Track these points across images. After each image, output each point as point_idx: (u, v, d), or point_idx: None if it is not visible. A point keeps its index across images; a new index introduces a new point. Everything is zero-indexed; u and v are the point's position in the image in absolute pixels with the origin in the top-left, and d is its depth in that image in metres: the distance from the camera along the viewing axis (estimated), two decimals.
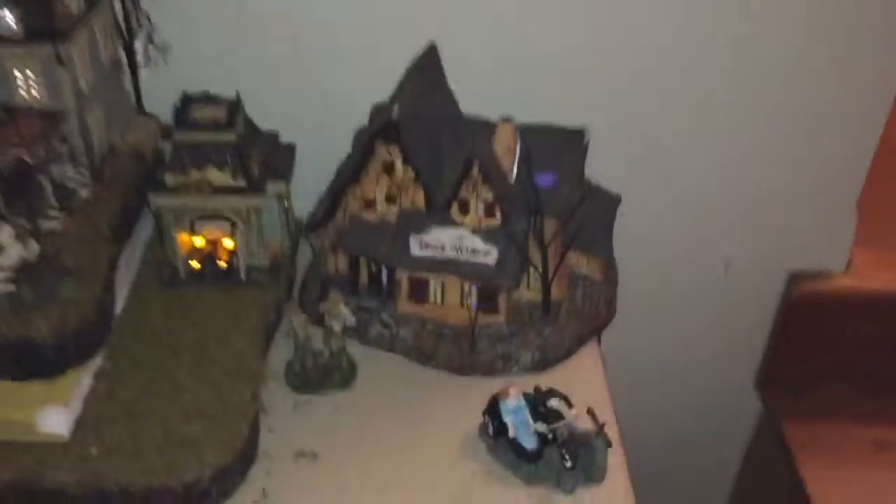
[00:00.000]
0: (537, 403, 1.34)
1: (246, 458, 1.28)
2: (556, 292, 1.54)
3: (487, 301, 1.50)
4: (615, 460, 1.34)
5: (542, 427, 1.31)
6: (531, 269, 1.51)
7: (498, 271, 1.44)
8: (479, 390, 1.43)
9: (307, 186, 1.60)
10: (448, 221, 1.45)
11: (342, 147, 1.60)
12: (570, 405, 1.32)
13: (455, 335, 1.51)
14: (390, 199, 1.50)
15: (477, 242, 1.43)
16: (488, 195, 1.42)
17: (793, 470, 2.02)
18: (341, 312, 1.44)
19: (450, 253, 1.45)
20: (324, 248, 1.62)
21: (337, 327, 1.45)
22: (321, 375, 1.47)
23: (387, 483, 1.30)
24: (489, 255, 1.44)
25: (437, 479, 1.31)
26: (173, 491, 1.18)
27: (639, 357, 2.09)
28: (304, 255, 1.67)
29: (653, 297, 2.06)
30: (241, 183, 1.45)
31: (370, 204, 1.52)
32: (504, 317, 1.52)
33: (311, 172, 1.59)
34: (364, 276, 1.58)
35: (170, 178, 1.44)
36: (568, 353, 1.54)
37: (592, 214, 1.56)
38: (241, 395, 1.31)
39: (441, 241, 1.44)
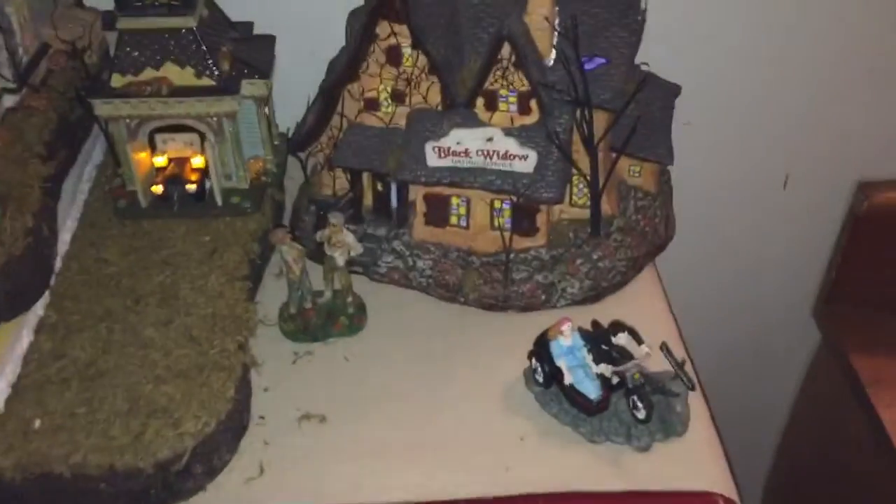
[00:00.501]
0: (598, 341, 1.08)
1: (235, 425, 1.03)
2: (605, 208, 1.27)
3: (524, 220, 1.23)
4: (697, 407, 1.09)
5: (605, 369, 1.06)
6: (575, 178, 1.24)
7: (537, 181, 1.17)
8: (519, 330, 1.18)
9: (291, 93, 1.30)
10: (472, 121, 1.18)
11: (332, 41, 1.30)
12: (639, 341, 1.07)
13: (485, 264, 1.25)
14: (398, 96, 1.22)
15: (511, 144, 1.16)
16: (522, 84, 1.15)
17: (867, 408, 1.79)
18: (344, 240, 1.17)
19: (476, 160, 1.18)
20: (317, 165, 1.34)
21: (340, 260, 1.18)
22: (323, 320, 1.21)
23: (412, 450, 1.05)
24: (526, 160, 1.16)
25: (476, 443, 1.06)
26: (143, 472, 0.93)
27: (690, 282, 1.84)
28: (294, 178, 1.40)
29: (707, 217, 1.81)
30: (209, 82, 1.17)
31: (372, 104, 1.24)
32: (544, 239, 1.25)
33: (295, 76, 1.30)
34: (369, 198, 1.31)
35: (117, 79, 1.16)
36: (623, 281, 1.28)
37: (648, 108, 1.28)
38: (224, 346, 1.05)
39: (465, 144, 1.16)
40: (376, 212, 1.32)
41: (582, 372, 1.06)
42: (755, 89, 1.68)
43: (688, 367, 1.07)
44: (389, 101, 1.22)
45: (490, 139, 1.15)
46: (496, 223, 1.24)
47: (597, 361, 1.07)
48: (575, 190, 1.27)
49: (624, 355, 1.07)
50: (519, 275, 1.24)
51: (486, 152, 1.17)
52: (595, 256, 1.26)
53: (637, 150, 1.28)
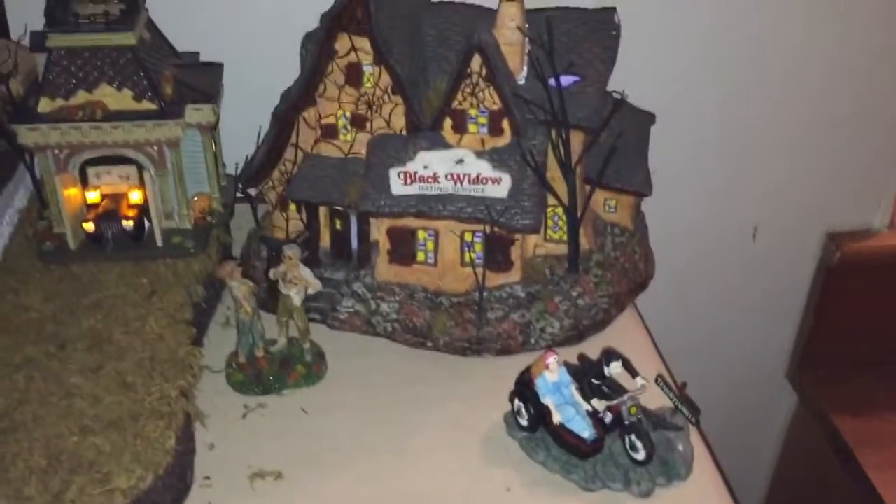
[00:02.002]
0: (587, 375, 0.99)
1: (176, 484, 0.89)
2: (583, 242, 1.21)
3: (497, 254, 1.15)
4: (697, 448, 1.00)
5: (598, 405, 0.96)
6: (550, 210, 1.18)
7: (512, 207, 1.10)
8: (496, 374, 1.09)
9: (240, 132, 1.21)
10: (440, 143, 1.11)
11: (285, 72, 1.23)
12: (633, 374, 0.98)
13: (456, 304, 1.16)
14: (358, 121, 1.15)
15: (483, 167, 1.09)
16: (493, 102, 1.09)
17: (853, 470, 1.72)
18: (301, 275, 1.07)
19: (445, 185, 1.11)
20: (269, 203, 1.25)
21: (297, 298, 1.08)
22: (277, 370, 1.09)
23: None
24: (499, 184, 1.10)
25: (457, 497, 0.95)
26: None
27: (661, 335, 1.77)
28: (242, 228, 1.30)
29: (673, 272, 1.76)
30: (149, 106, 1.09)
31: (330, 131, 1.16)
32: (519, 275, 1.17)
33: (244, 113, 1.21)
34: (326, 239, 1.22)
35: (45, 103, 1.07)
36: (605, 320, 1.21)
37: (622, 137, 1.24)
38: (164, 393, 0.93)
39: (433, 168, 1.10)
40: (335, 254, 1.23)
41: (572, 409, 0.97)
42: (721, 139, 1.66)
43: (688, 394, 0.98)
44: (349, 127, 1.15)
45: (460, 161, 1.09)
46: (467, 258, 1.16)
47: (587, 398, 0.97)
48: (550, 223, 1.20)
49: (616, 390, 0.98)
50: (494, 314, 1.15)
51: (455, 176, 1.10)
52: (574, 293, 1.18)
53: (613, 181, 1.23)
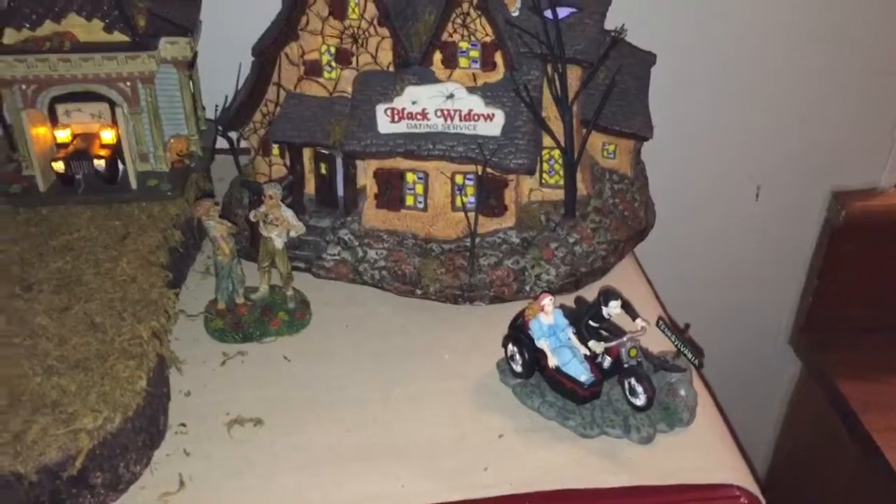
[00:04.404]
0: (584, 317, 0.94)
1: (148, 428, 0.84)
2: (580, 187, 1.16)
3: (490, 198, 1.10)
4: (700, 394, 0.95)
5: (596, 346, 0.92)
6: (546, 154, 1.13)
7: (506, 146, 1.05)
8: (489, 323, 1.04)
9: (220, 71, 1.16)
10: (429, 78, 1.06)
11: (267, 6, 1.17)
12: (633, 316, 0.93)
13: (447, 252, 1.11)
14: (343, 56, 1.09)
15: (475, 102, 1.04)
16: (486, 34, 1.04)
17: (859, 435, 1.68)
18: (283, 216, 1.02)
19: (435, 122, 1.05)
20: (251, 148, 1.20)
21: (279, 241, 1.03)
22: (258, 317, 1.04)
23: (369, 456, 0.88)
24: (492, 120, 1.05)
25: (446, 444, 0.90)
26: (24, 479, 0.74)
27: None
28: (224, 179, 1.25)
29: (676, 232, 1.71)
30: (121, 38, 1.03)
31: (314, 68, 1.11)
32: (513, 220, 1.13)
33: (224, 47, 1.16)
34: (311, 186, 1.17)
35: (11, 35, 1.01)
36: (604, 267, 1.16)
37: (621, 78, 1.18)
38: (136, 334, 0.88)
39: (421, 103, 1.04)
40: (320, 201, 1.18)
41: (568, 353, 0.92)
42: (724, 98, 1.62)
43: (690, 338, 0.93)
44: (333, 63, 1.10)
45: (451, 96, 1.04)
46: (458, 202, 1.11)
47: (584, 342, 0.92)
48: (546, 167, 1.15)
49: (615, 332, 0.93)
50: (486, 261, 1.11)
51: (446, 113, 1.05)
52: (571, 240, 1.14)
53: (611, 123, 1.18)
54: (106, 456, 0.79)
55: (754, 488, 0.86)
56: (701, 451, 0.89)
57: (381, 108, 1.05)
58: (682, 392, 0.92)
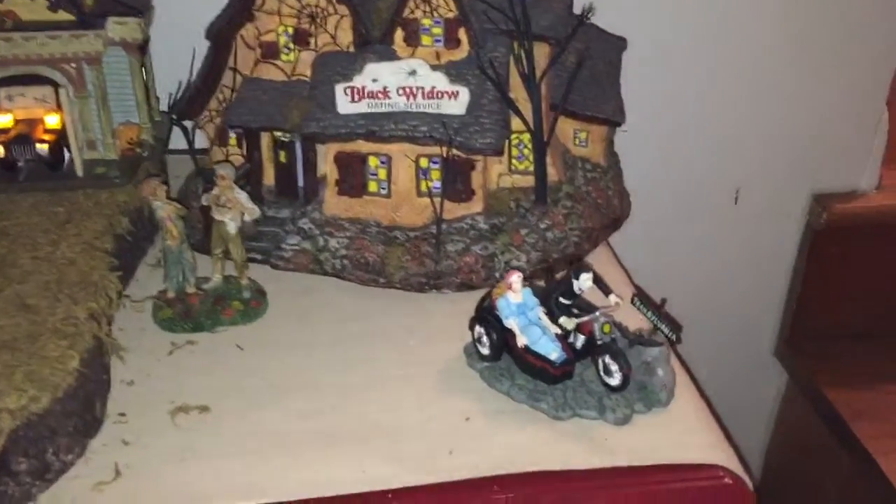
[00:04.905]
0: (555, 294, 0.89)
1: (82, 413, 0.78)
2: (551, 172, 1.11)
3: (457, 182, 1.06)
4: (681, 375, 0.90)
5: (567, 322, 0.86)
6: (515, 138, 1.09)
7: (471, 125, 1.01)
8: (456, 311, 0.98)
9: (177, 56, 1.11)
10: (390, 58, 1.02)
11: None
12: (606, 290, 0.88)
13: (412, 239, 1.06)
14: (301, 37, 1.06)
15: (438, 79, 1.00)
16: (449, 9, 1.00)
17: (851, 444, 1.62)
18: (236, 199, 0.97)
19: (397, 101, 1.01)
20: (207, 138, 1.16)
21: (232, 225, 0.98)
22: (210, 307, 0.98)
23: (324, 442, 0.82)
24: (457, 98, 1.00)
25: (408, 429, 0.84)
26: None
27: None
28: (180, 176, 1.20)
29: (653, 237, 1.68)
30: (66, 16, 0.99)
31: (271, 50, 1.07)
32: (482, 206, 1.08)
33: (181, 33, 1.12)
34: (270, 176, 1.12)
35: None
36: (577, 255, 1.11)
37: (592, 63, 1.15)
38: (71, 314, 0.82)
39: (382, 81, 1.00)
40: (280, 191, 1.13)
41: (538, 331, 0.87)
42: (701, 100, 1.59)
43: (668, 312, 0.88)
44: (291, 45, 1.06)
45: (413, 73, 1.00)
46: (423, 187, 1.06)
47: (555, 320, 0.87)
48: (515, 152, 1.11)
49: (587, 310, 0.88)
50: (454, 247, 1.06)
51: (408, 91, 1.01)
52: (542, 226, 1.09)
53: (582, 108, 1.14)
54: (31, 439, 0.72)
55: (739, 469, 0.80)
56: (681, 431, 0.84)
57: (340, 88, 1.01)
58: (660, 372, 0.86)
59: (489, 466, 0.79)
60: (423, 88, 1.00)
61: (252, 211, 0.98)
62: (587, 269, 0.86)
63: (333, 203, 1.09)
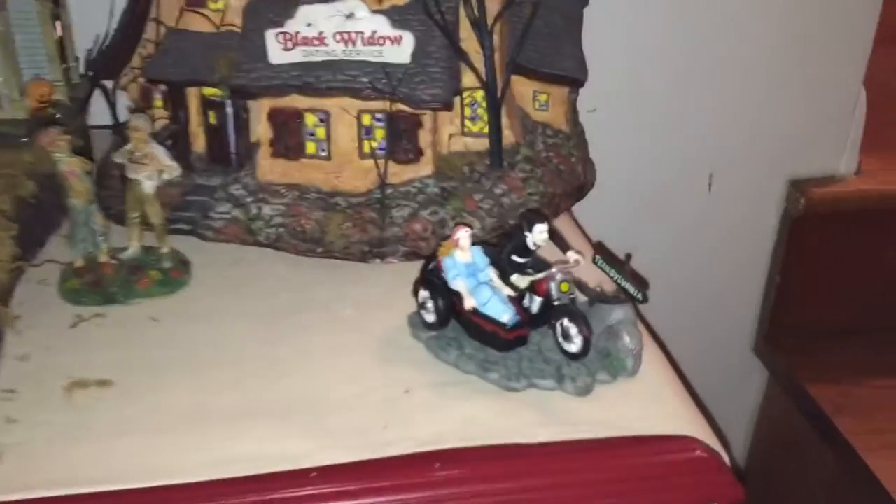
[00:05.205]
0: (504, 251, 0.80)
1: None
2: (507, 134, 1.03)
3: (403, 141, 0.97)
4: (649, 344, 0.81)
5: (520, 280, 0.77)
6: (467, 96, 1.00)
7: (417, 74, 0.92)
8: (402, 281, 0.89)
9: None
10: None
11: None
12: (564, 247, 0.79)
13: (354, 205, 0.97)
14: None
15: (379, 23, 0.91)
16: None
17: (834, 440, 1.54)
18: (153, 154, 0.87)
19: (334, 48, 0.92)
20: (129, 100, 1.06)
21: (148, 185, 0.88)
22: (124, 277, 0.88)
23: (242, 417, 0.72)
24: (400, 43, 0.92)
25: (337, 402, 0.74)
26: None
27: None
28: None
29: (621, 229, 1.59)
30: None
31: None
32: (431, 168, 0.99)
33: None
34: (200, 142, 1.02)
35: None
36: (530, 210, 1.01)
37: (549, 16, 1.07)
38: None
39: (318, 25, 0.91)
40: (211, 158, 1.03)
41: (488, 291, 0.77)
42: (670, 82, 1.52)
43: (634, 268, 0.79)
44: None
45: (351, 15, 0.90)
46: (366, 148, 0.97)
47: (507, 274, 0.78)
48: (468, 111, 1.02)
49: (541, 265, 0.78)
50: (400, 212, 0.96)
51: (346, 36, 0.92)
52: (498, 191, 1.00)
53: (539, 65, 1.06)
54: None
55: (714, 442, 0.71)
56: (649, 401, 0.74)
57: (271, 34, 0.92)
58: (626, 335, 0.77)
59: (430, 441, 0.69)
60: (362, 33, 0.91)
61: (171, 168, 0.88)
62: (542, 218, 0.77)
63: (268, 167, 0.99)
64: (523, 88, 1.08)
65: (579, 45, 1.10)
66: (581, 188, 1.10)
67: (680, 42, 1.49)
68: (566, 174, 1.07)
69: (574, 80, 1.08)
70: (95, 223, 0.87)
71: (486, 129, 1.01)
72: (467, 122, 1.03)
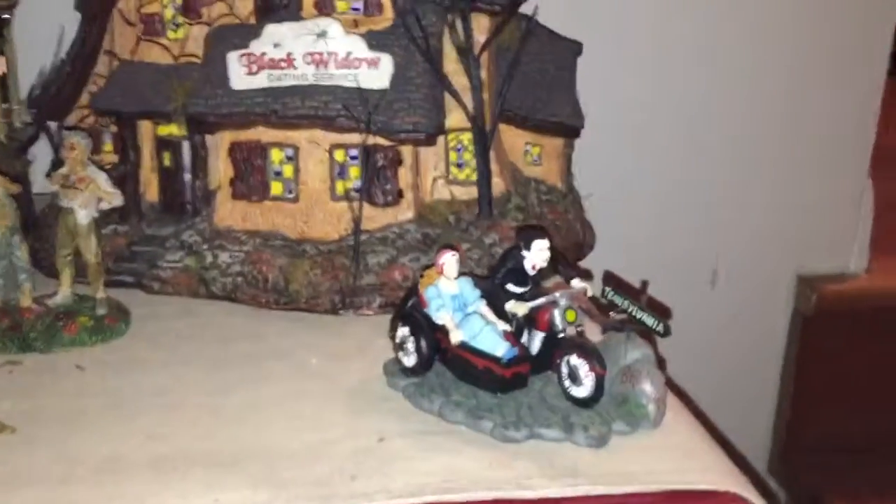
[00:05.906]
0: (496, 276, 0.69)
1: None
2: (496, 182, 0.94)
3: (381, 180, 0.88)
4: (671, 396, 0.69)
5: (518, 307, 0.66)
6: (452, 139, 0.92)
7: (396, 101, 0.84)
8: (377, 333, 0.77)
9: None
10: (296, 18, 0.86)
11: None
12: (568, 275, 0.68)
13: (324, 253, 0.86)
14: (191, 7, 0.90)
15: (354, 43, 0.84)
16: None
17: None
18: (92, 179, 0.77)
19: (304, 71, 0.84)
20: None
21: (83, 215, 0.78)
22: (48, 323, 0.76)
23: (175, 466, 0.59)
24: (377, 67, 0.84)
25: (297, 452, 0.61)
26: None
27: None
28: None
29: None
30: None
31: (155, 25, 0.91)
32: (412, 212, 0.89)
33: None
34: (153, 189, 0.93)
35: None
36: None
37: (541, 65, 1.01)
38: None
39: (286, 46, 0.84)
40: (165, 205, 0.93)
41: (478, 322, 0.66)
42: (679, 179, 1.47)
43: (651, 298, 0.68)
44: (179, 18, 0.90)
45: (322, 35, 0.83)
46: (339, 189, 0.88)
47: (500, 315, 0.67)
48: (454, 156, 0.94)
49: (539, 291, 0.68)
50: (376, 258, 0.86)
51: (317, 58, 0.84)
52: (488, 241, 0.90)
53: (532, 112, 0.99)
54: None
55: (752, 495, 0.58)
56: (678, 454, 0.62)
57: (233, 56, 0.85)
58: (646, 379, 0.65)
59: (407, 493, 0.55)
60: (335, 55, 0.84)
61: (112, 195, 0.78)
62: (541, 235, 0.67)
63: (227, 211, 0.89)
64: (514, 140, 1.01)
65: (573, 92, 1.04)
66: (580, 246, 1.00)
67: (682, 132, 1.45)
68: (563, 230, 0.98)
69: (569, 127, 1.00)
70: (19, 258, 0.76)
71: (474, 177, 0.93)
72: (453, 169, 0.94)
